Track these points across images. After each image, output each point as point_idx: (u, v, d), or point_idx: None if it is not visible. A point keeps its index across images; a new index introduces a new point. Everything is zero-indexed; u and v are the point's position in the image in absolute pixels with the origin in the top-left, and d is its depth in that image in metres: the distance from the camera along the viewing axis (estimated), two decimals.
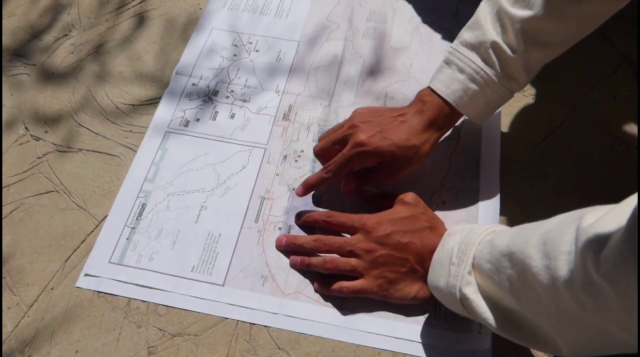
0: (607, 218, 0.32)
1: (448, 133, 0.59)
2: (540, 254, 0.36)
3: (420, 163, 0.55)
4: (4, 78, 0.73)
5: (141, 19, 0.78)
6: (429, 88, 0.55)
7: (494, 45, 0.51)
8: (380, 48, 0.72)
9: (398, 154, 0.53)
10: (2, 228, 0.59)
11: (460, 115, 0.55)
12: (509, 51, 0.51)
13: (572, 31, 0.52)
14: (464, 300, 0.44)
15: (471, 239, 0.45)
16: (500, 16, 0.51)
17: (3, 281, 0.56)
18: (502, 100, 0.55)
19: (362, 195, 0.59)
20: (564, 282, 0.34)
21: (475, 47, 0.52)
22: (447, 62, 0.54)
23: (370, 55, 0.71)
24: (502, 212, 0.58)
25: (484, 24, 0.52)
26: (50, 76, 0.73)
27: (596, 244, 0.31)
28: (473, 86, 0.53)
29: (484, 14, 0.53)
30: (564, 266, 0.34)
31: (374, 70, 0.70)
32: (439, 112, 0.54)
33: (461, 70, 0.53)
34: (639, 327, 0.30)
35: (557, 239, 0.35)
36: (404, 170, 0.55)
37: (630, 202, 0.31)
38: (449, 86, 0.53)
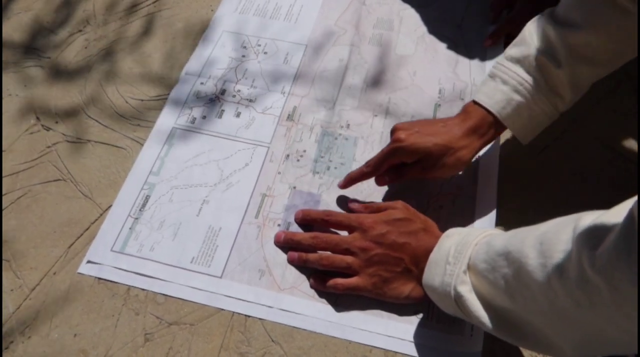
0: (604, 218, 0.33)
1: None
2: (536, 253, 0.37)
3: (458, 168, 0.55)
4: (17, 70, 0.75)
5: (154, 18, 0.81)
6: (473, 101, 0.55)
7: (539, 58, 0.52)
8: (385, 55, 0.74)
9: (435, 151, 0.53)
10: (10, 213, 0.61)
11: (504, 127, 0.55)
12: (554, 64, 0.51)
13: (618, 48, 0.52)
14: (458, 298, 0.45)
15: (468, 240, 0.46)
16: (546, 32, 0.52)
17: (7, 264, 0.57)
18: (546, 116, 0.54)
19: (349, 208, 0.59)
20: (559, 279, 0.35)
21: (520, 61, 0.53)
22: (491, 76, 0.55)
23: (375, 61, 0.73)
24: (498, 219, 0.59)
25: (529, 40, 0.53)
26: (63, 69, 0.75)
27: (592, 242, 0.32)
28: (517, 97, 0.53)
29: (529, 31, 0.54)
30: (559, 263, 0.35)
31: (378, 76, 0.72)
32: (481, 121, 0.54)
33: (505, 82, 0.53)
34: (639, 328, 0.31)
35: (554, 239, 0.36)
36: (438, 170, 0.55)
37: (628, 203, 0.33)
38: (492, 97, 0.54)
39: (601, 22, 0.50)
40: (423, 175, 0.56)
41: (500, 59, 0.55)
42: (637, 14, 0.48)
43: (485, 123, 0.54)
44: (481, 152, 0.64)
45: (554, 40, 0.52)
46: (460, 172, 0.62)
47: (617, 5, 0.49)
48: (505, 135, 0.66)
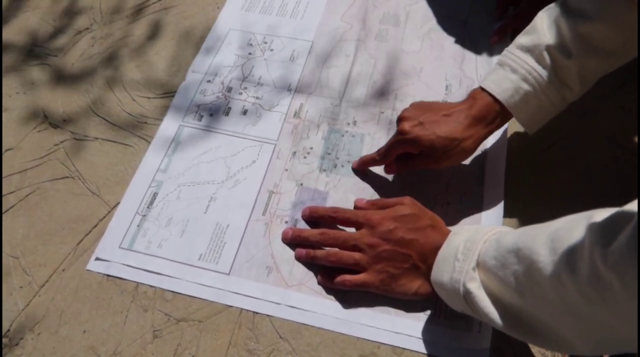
0: (617, 215, 0.33)
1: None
2: (547, 250, 0.37)
3: (462, 157, 0.56)
4: (25, 68, 0.75)
5: (160, 17, 0.81)
6: (480, 87, 0.55)
7: (549, 48, 0.52)
8: (391, 50, 0.74)
9: (437, 144, 0.54)
10: (19, 210, 0.61)
11: (510, 116, 0.55)
12: (564, 55, 0.51)
13: (628, 41, 0.51)
14: (467, 295, 0.44)
15: (477, 237, 0.46)
16: (557, 22, 0.52)
17: (17, 261, 0.58)
18: (554, 107, 0.54)
19: (356, 204, 0.59)
20: (571, 275, 0.35)
21: (530, 50, 0.53)
22: (500, 64, 0.55)
23: (381, 57, 0.73)
24: (505, 216, 0.59)
25: (540, 29, 0.53)
26: (70, 67, 0.75)
27: (605, 239, 0.32)
28: (525, 86, 0.53)
29: (541, 20, 0.53)
30: (571, 260, 0.35)
31: (384, 72, 0.71)
32: (487, 110, 0.54)
33: (514, 71, 0.53)
34: (639, 321, 0.31)
35: (566, 236, 0.36)
36: (443, 161, 0.55)
37: None
38: (500, 85, 0.53)
39: (613, 14, 0.50)
40: (428, 166, 0.57)
41: (510, 47, 0.55)
42: (637, 13, 0.48)
43: (491, 111, 0.54)
44: (488, 145, 0.64)
45: (565, 31, 0.51)
46: (468, 162, 0.62)
47: None
48: (512, 131, 0.65)
